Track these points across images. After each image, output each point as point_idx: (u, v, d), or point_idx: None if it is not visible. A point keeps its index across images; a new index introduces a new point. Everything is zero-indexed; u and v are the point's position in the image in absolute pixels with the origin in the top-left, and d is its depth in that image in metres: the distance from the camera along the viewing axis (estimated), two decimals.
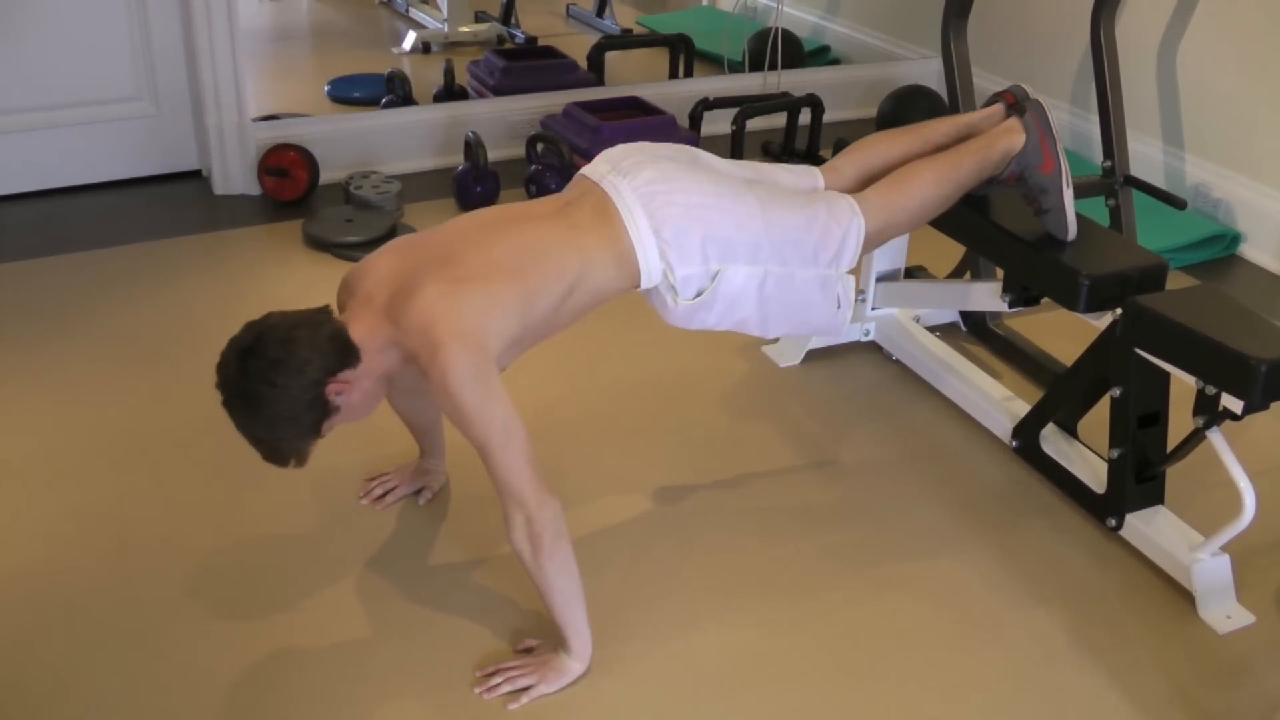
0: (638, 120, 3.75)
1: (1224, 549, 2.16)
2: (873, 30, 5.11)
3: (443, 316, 1.83)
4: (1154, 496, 2.29)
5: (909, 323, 2.89)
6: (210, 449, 2.48)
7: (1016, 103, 2.42)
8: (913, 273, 2.98)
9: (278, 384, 1.78)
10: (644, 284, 2.05)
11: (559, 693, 1.91)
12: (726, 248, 2.05)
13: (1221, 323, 2.07)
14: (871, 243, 2.24)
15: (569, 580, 1.88)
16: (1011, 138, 2.34)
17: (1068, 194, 2.34)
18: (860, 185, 2.33)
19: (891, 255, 2.83)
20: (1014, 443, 2.54)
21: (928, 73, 4.67)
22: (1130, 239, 3.09)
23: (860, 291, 2.89)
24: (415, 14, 5.69)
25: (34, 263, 3.23)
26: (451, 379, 1.80)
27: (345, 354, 1.84)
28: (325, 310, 1.90)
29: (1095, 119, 3.33)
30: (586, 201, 2.05)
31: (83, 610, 2.06)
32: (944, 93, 4.13)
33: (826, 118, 4.20)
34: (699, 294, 2.06)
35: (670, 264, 2.03)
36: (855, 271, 2.22)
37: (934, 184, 2.29)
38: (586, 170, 2.13)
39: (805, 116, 4.22)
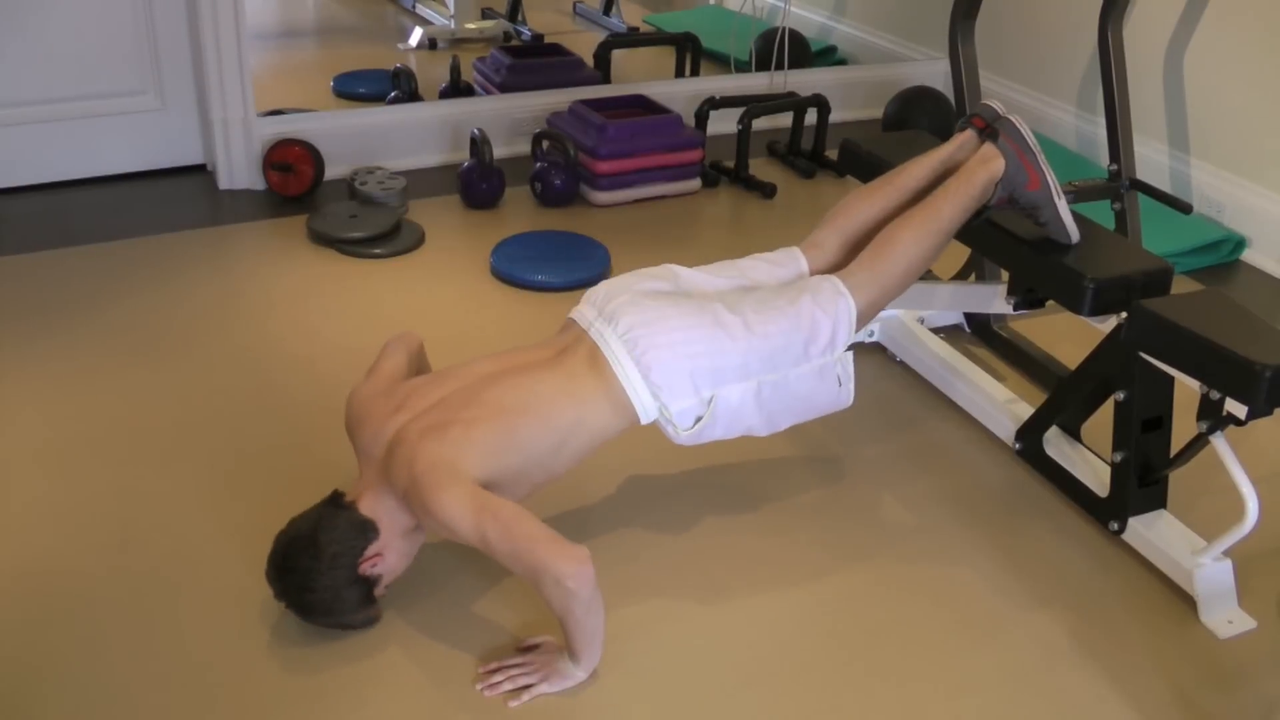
0: (643, 119, 3.75)
1: (1226, 554, 2.15)
2: (880, 31, 5.11)
3: (421, 455, 1.91)
4: (1157, 501, 2.29)
5: (913, 324, 2.89)
6: (213, 442, 2.48)
7: (987, 126, 2.38)
8: None
9: (318, 588, 1.92)
10: (643, 421, 2.09)
11: (560, 692, 1.91)
12: (715, 375, 2.08)
13: (1226, 327, 2.07)
14: (866, 317, 2.23)
15: (597, 623, 1.90)
16: (990, 166, 2.31)
17: (1060, 204, 2.33)
18: (845, 254, 2.34)
19: None
20: (1017, 445, 2.53)
21: (934, 74, 4.67)
22: (1135, 243, 3.09)
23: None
24: (422, 10, 5.70)
25: (38, 256, 3.24)
26: (429, 501, 1.86)
27: (364, 534, 1.95)
28: (334, 499, 2.00)
29: (1102, 122, 3.33)
30: (580, 349, 2.10)
31: (85, 603, 2.06)
32: (950, 94, 4.14)
33: (832, 118, 4.20)
34: (698, 420, 2.09)
35: (664, 402, 2.06)
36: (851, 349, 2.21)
37: (916, 243, 2.26)
38: (575, 315, 2.17)
39: (811, 117, 4.23)
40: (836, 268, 2.30)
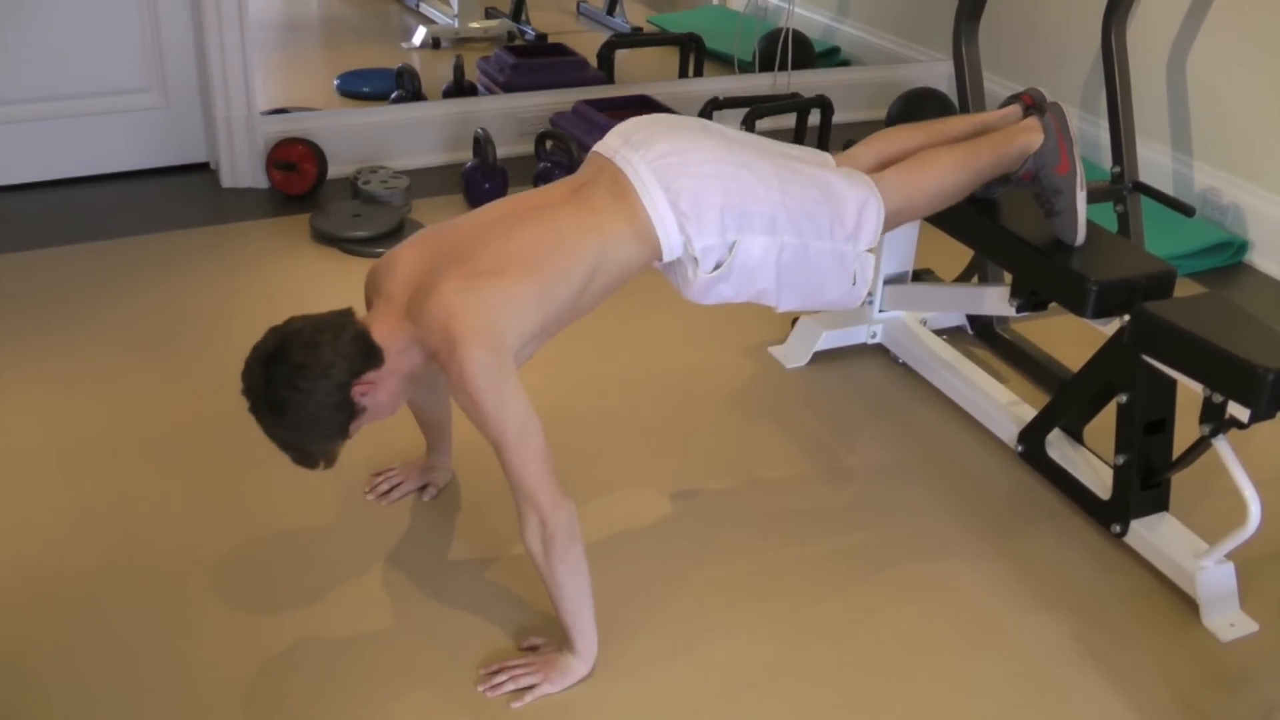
0: None
1: (1229, 557, 2.15)
2: (883, 32, 5.11)
3: (460, 314, 1.83)
4: (1159, 503, 2.29)
5: (916, 326, 2.89)
6: (216, 441, 2.48)
7: (1035, 104, 2.43)
8: (920, 276, 2.98)
9: (303, 389, 1.80)
10: (666, 257, 2.05)
11: (562, 692, 1.91)
12: (743, 218, 2.05)
13: (1229, 331, 2.07)
14: (890, 223, 2.23)
15: (579, 583, 1.89)
16: (1030, 136, 2.35)
17: (1081, 196, 2.34)
18: (877, 171, 2.32)
19: (899, 258, 2.83)
20: (1020, 447, 2.53)
21: (938, 75, 4.67)
22: (1138, 245, 3.09)
23: (868, 294, 2.89)
24: (426, 9, 5.70)
25: (42, 253, 3.24)
26: (469, 375, 1.81)
27: (369, 355, 1.86)
28: (348, 312, 1.90)
29: (1105, 124, 3.33)
30: (602, 180, 2.04)
31: (88, 601, 2.06)
32: (954, 96, 4.13)
33: (836, 119, 4.19)
34: (718, 265, 2.06)
35: (689, 236, 2.02)
36: (874, 251, 2.21)
37: (953, 169, 2.29)
38: (599, 147, 2.11)
39: (815, 118, 4.22)
40: None
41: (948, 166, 2.29)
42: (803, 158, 2.24)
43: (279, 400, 1.81)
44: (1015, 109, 2.45)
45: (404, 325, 1.90)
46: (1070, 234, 2.36)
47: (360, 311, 1.96)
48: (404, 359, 1.91)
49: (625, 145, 2.06)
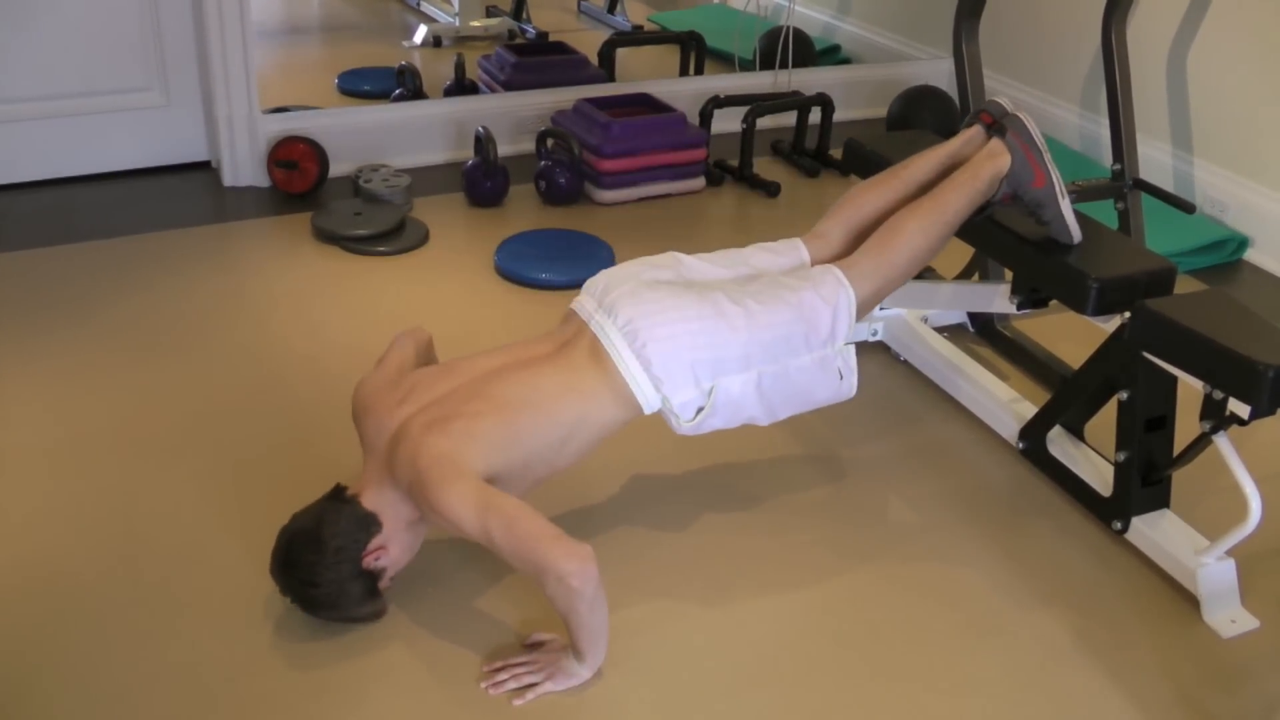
0: (648, 118, 3.75)
1: (1229, 553, 2.16)
2: (884, 30, 5.11)
3: (425, 449, 1.91)
4: (1160, 500, 2.29)
5: (917, 323, 2.89)
6: (217, 439, 2.48)
7: (995, 122, 2.38)
8: (921, 274, 2.98)
9: (321, 582, 1.93)
10: (646, 411, 2.09)
11: (564, 691, 1.91)
12: (716, 366, 2.08)
13: (1229, 327, 2.07)
14: (867, 307, 2.24)
15: (601, 621, 1.90)
16: (996, 161, 2.33)
17: (1064, 204, 2.33)
18: (849, 244, 2.34)
19: None
20: (1020, 444, 2.54)
21: (938, 73, 4.67)
22: (1138, 242, 3.09)
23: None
24: (426, 8, 5.70)
25: (43, 251, 3.24)
26: (433, 496, 1.87)
27: (367, 527, 1.95)
28: (337, 492, 2.00)
29: (1105, 122, 3.33)
30: (581, 342, 2.10)
31: (89, 600, 2.06)
32: (954, 93, 4.14)
33: (836, 117, 4.20)
34: (699, 411, 2.09)
35: (666, 395, 2.06)
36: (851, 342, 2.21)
37: (921, 234, 2.27)
38: (575, 307, 2.17)
39: (815, 115, 4.22)
40: (840, 258, 2.29)
41: (915, 234, 2.26)
42: (776, 264, 2.28)
43: (308, 599, 1.96)
44: (977, 131, 2.41)
45: (387, 478, 1.97)
46: (1065, 238, 2.36)
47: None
48: (400, 513, 1.98)
49: (599, 310, 2.11)
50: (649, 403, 2.07)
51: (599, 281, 2.17)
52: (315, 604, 1.96)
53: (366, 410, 2.06)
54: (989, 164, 2.33)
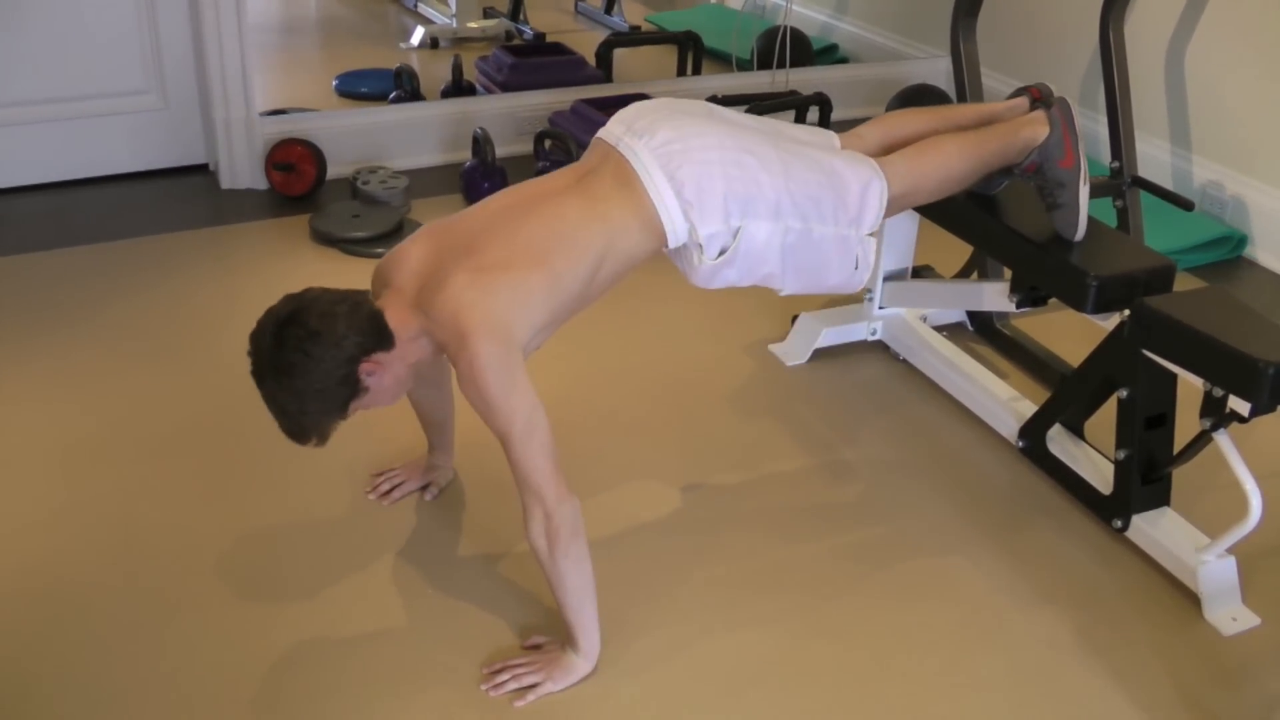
0: None
1: (1230, 551, 2.15)
2: (881, 29, 5.11)
3: (469, 307, 1.84)
4: (1160, 498, 2.29)
5: (916, 322, 2.89)
6: (216, 441, 2.48)
7: (1041, 97, 2.44)
8: (920, 272, 2.98)
9: (313, 355, 1.79)
10: (671, 244, 2.05)
11: (565, 691, 1.91)
12: (747, 204, 2.05)
13: (1229, 325, 2.07)
14: (893, 207, 2.23)
15: (583, 578, 1.89)
16: (1036, 128, 2.35)
17: (1084, 191, 2.34)
18: (882, 153, 2.32)
19: (899, 254, 2.83)
20: (1020, 443, 2.53)
21: (936, 72, 4.67)
22: (1138, 240, 3.09)
23: (868, 291, 2.89)
24: (423, 9, 5.69)
25: (41, 255, 3.24)
26: (478, 369, 1.82)
27: (381, 335, 1.87)
28: (364, 292, 1.92)
29: (1104, 119, 3.33)
30: (606, 168, 2.05)
31: (89, 602, 2.06)
32: (953, 92, 4.13)
33: (834, 116, 4.19)
34: (722, 252, 2.06)
35: (694, 223, 2.02)
36: (875, 235, 2.21)
37: (958, 156, 2.29)
38: (602, 133, 2.12)
39: (813, 115, 4.22)
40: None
41: (953, 153, 2.29)
42: (808, 140, 2.24)
43: (288, 364, 1.80)
44: (1022, 101, 2.46)
45: (414, 316, 1.91)
46: (1071, 228, 2.36)
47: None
48: (413, 347, 1.92)
49: (629, 133, 2.06)
50: (675, 231, 2.03)
51: (629, 110, 2.12)
52: (287, 375, 1.80)
53: (389, 259, 2.00)
54: (1029, 128, 2.36)
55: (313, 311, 1.82)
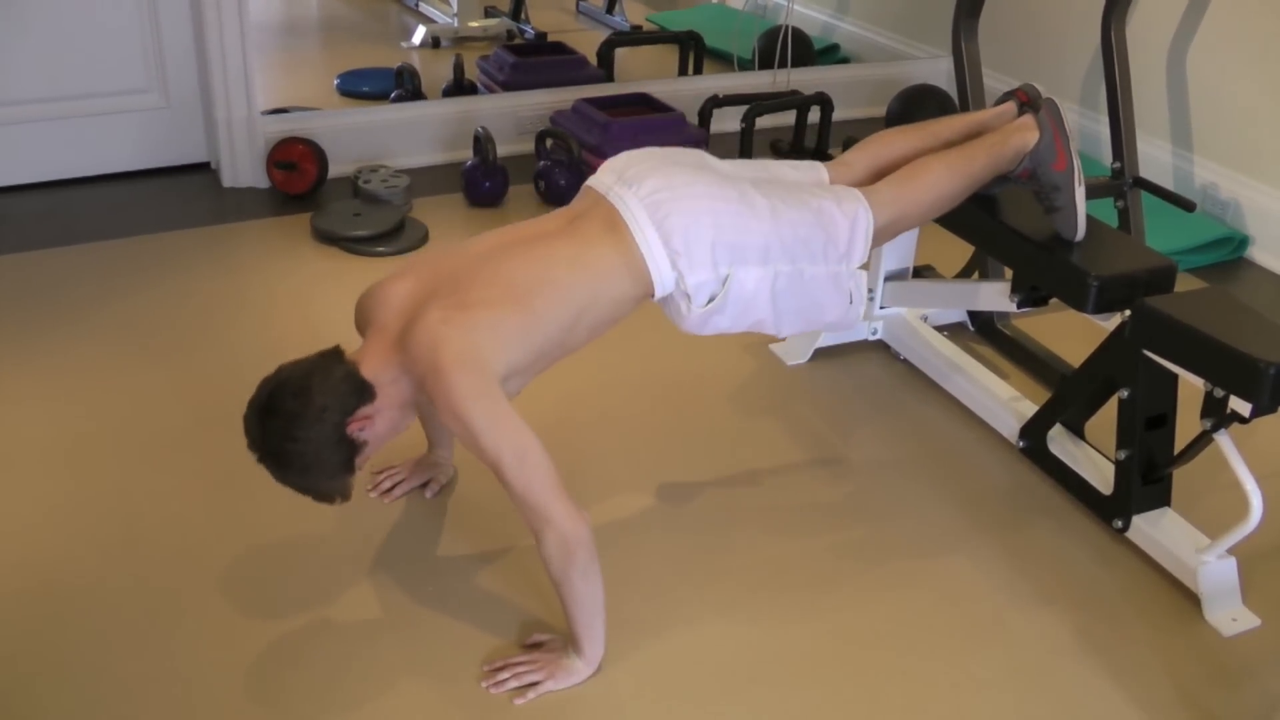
0: (647, 117, 3.75)
1: (1230, 551, 2.15)
2: (882, 29, 5.11)
3: (444, 341, 1.84)
4: (1161, 498, 2.29)
5: (917, 322, 2.89)
6: (217, 440, 2.48)
7: (1029, 101, 2.43)
8: (921, 272, 2.98)
9: (300, 437, 1.82)
10: (658, 293, 2.06)
11: (565, 689, 1.91)
12: (735, 251, 2.05)
13: (1230, 325, 2.07)
14: (882, 236, 2.23)
15: (596, 594, 1.89)
16: (1025, 134, 2.35)
17: (1079, 192, 2.34)
18: (871, 179, 2.33)
19: (900, 254, 2.83)
20: (1021, 443, 2.54)
21: (937, 72, 4.67)
22: (1139, 240, 3.09)
23: (869, 290, 2.89)
24: (425, 9, 5.70)
25: (42, 253, 3.24)
26: (456, 399, 1.81)
27: (360, 392, 1.87)
28: (335, 352, 1.92)
29: (1105, 120, 3.33)
30: (595, 214, 2.05)
31: (89, 600, 2.06)
32: (954, 92, 4.13)
33: (835, 116, 4.19)
34: (711, 299, 2.06)
35: (681, 272, 2.03)
36: (866, 266, 2.21)
37: (947, 177, 2.29)
38: (592, 182, 2.13)
39: (814, 115, 4.22)
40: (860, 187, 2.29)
41: (941, 175, 2.29)
42: (796, 179, 2.26)
43: (280, 452, 1.84)
44: (1010, 106, 2.45)
45: (394, 355, 1.91)
46: (1070, 230, 2.36)
47: (353, 343, 1.97)
48: (396, 390, 1.91)
49: (618, 182, 2.07)
50: (662, 280, 2.03)
51: (619, 159, 2.13)
52: (286, 462, 1.85)
53: (373, 294, 2.00)
54: (1018, 135, 2.35)
55: (286, 394, 1.83)
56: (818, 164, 2.33)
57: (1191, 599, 2.17)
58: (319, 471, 1.86)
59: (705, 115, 3.98)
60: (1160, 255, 2.37)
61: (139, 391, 2.64)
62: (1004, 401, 2.61)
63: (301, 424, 1.81)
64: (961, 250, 2.96)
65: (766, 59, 4.60)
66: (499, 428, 1.82)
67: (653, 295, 2.06)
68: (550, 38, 5.21)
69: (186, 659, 1.95)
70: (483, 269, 1.96)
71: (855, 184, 2.31)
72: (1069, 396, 2.44)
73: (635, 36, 5.29)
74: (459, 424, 1.83)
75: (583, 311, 1.98)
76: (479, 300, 1.90)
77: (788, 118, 4.29)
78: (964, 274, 3.08)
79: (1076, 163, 2.33)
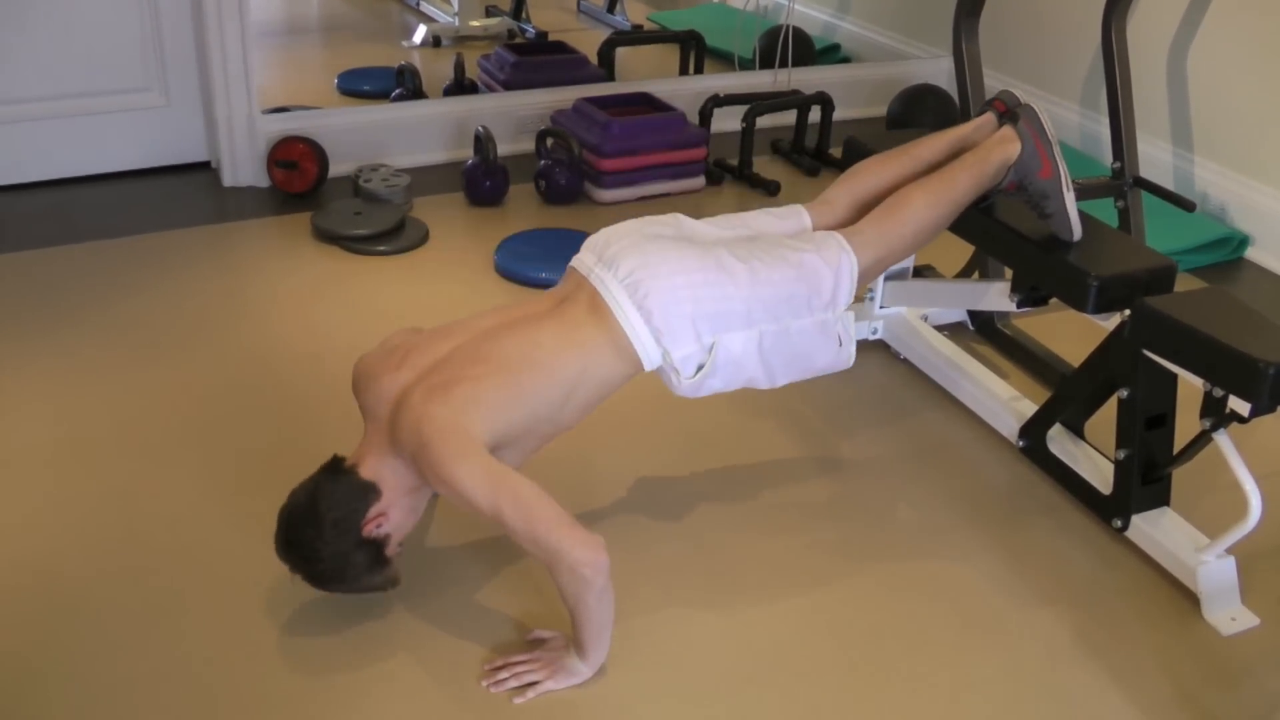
0: (648, 117, 3.76)
1: (1229, 551, 2.16)
2: (883, 29, 5.11)
3: (427, 417, 1.87)
4: (1160, 498, 2.29)
5: (917, 321, 2.89)
6: (218, 439, 2.49)
7: (1008, 110, 2.41)
8: (921, 272, 2.98)
9: (325, 556, 1.90)
10: (646, 367, 2.08)
11: (565, 688, 1.91)
12: (717, 320, 2.06)
13: (1229, 325, 2.07)
14: (869, 275, 2.24)
15: (608, 613, 1.89)
16: (1006, 147, 2.34)
17: (1068, 197, 2.34)
18: (854, 215, 2.33)
19: None
20: (1021, 442, 2.54)
21: (938, 72, 4.67)
22: (1139, 240, 3.09)
23: (869, 289, 2.89)
24: (426, 8, 5.70)
25: (43, 252, 3.24)
26: (441, 466, 1.84)
27: (365, 496, 1.92)
28: (333, 464, 1.97)
29: (1105, 120, 3.33)
30: (580, 296, 2.08)
31: (89, 600, 2.06)
32: (954, 92, 4.13)
33: (836, 116, 4.20)
34: (700, 368, 2.07)
35: (666, 348, 2.05)
36: (859, 296, 2.20)
37: (928, 207, 2.28)
38: (575, 262, 2.15)
39: (815, 114, 4.22)
40: (843, 226, 2.29)
41: (922, 206, 2.27)
42: (777, 230, 2.26)
43: (314, 574, 1.94)
44: (989, 118, 2.43)
45: (388, 445, 1.94)
46: (1065, 233, 2.36)
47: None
48: (399, 479, 1.95)
49: (598, 263, 2.10)
50: (649, 357, 2.05)
51: (599, 237, 2.15)
52: (322, 579, 1.94)
53: (366, 377, 2.03)
54: (999, 149, 2.34)
55: (298, 522, 1.91)
56: (799, 208, 2.33)
57: (1191, 598, 2.18)
58: (354, 576, 1.94)
59: (706, 115, 3.98)
60: (1160, 255, 2.38)
61: (139, 390, 2.65)
62: (1004, 401, 2.61)
63: (321, 544, 1.89)
64: (961, 250, 2.96)
65: (767, 58, 4.60)
66: (488, 481, 1.84)
67: (643, 369, 2.09)
68: (551, 37, 5.21)
69: (187, 659, 1.95)
70: (469, 350, 1.99)
71: (838, 223, 2.31)
72: (1069, 396, 2.44)
73: (636, 36, 5.29)
74: (450, 489, 1.86)
75: (573, 390, 2.01)
76: (464, 377, 1.93)
77: (788, 117, 4.30)
78: (964, 274, 3.08)
79: (1062, 167, 2.32)
